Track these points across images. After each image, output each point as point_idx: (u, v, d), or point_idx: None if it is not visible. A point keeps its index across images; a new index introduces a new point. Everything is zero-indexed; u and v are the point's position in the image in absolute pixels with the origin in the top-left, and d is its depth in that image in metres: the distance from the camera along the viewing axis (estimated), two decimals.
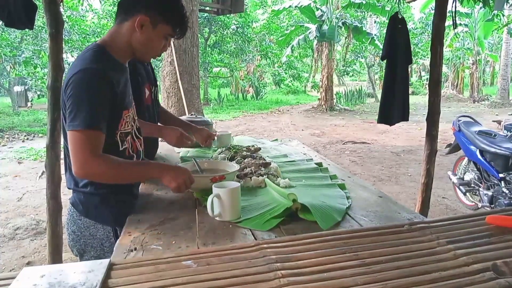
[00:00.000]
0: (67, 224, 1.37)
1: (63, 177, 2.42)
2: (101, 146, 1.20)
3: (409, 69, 2.91)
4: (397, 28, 2.68)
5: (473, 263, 0.80)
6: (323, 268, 0.80)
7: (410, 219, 1.13)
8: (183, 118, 2.24)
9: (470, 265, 0.80)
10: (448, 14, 2.59)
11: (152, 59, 1.40)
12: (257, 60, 18.61)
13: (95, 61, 1.20)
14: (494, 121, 8.67)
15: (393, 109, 2.77)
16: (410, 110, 2.84)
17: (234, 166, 1.52)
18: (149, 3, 1.26)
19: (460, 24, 14.04)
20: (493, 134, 3.47)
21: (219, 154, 1.95)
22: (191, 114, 2.54)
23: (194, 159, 1.63)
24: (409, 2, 3.98)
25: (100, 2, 10.64)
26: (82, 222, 1.32)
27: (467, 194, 3.78)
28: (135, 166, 1.29)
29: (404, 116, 2.79)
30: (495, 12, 6.70)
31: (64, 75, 2.30)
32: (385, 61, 2.81)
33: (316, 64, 13.87)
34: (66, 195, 2.31)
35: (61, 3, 2.30)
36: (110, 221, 1.31)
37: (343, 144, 7.45)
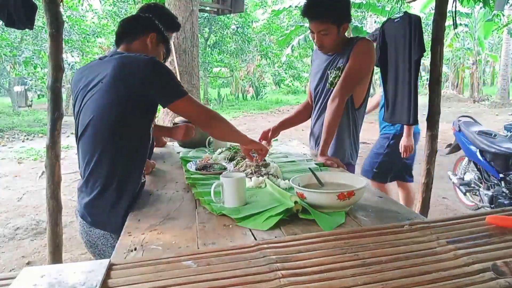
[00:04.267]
0: (80, 235, 1.40)
1: (63, 177, 2.43)
2: None
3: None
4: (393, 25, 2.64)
5: (473, 263, 0.80)
6: (323, 268, 0.80)
7: (410, 219, 1.13)
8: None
9: (470, 265, 0.80)
10: (448, 14, 2.58)
11: None
12: (257, 60, 18.60)
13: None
14: None
15: (395, 110, 2.69)
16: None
17: (360, 181, 1.29)
18: (155, 23, 1.50)
19: (460, 24, 14.04)
20: (493, 134, 3.47)
21: (219, 154, 1.95)
22: None
23: (310, 169, 1.46)
24: (409, 2, 3.98)
25: (100, 2, 10.62)
26: (93, 232, 1.34)
27: (467, 194, 3.78)
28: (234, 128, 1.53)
29: (410, 119, 2.56)
30: (495, 12, 6.69)
31: (64, 74, 2.29)
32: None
33: None
34: (66, 195, 2.32)
35: (61, 3, 2.30)
36: (119, 229, 1.22)
37: None
